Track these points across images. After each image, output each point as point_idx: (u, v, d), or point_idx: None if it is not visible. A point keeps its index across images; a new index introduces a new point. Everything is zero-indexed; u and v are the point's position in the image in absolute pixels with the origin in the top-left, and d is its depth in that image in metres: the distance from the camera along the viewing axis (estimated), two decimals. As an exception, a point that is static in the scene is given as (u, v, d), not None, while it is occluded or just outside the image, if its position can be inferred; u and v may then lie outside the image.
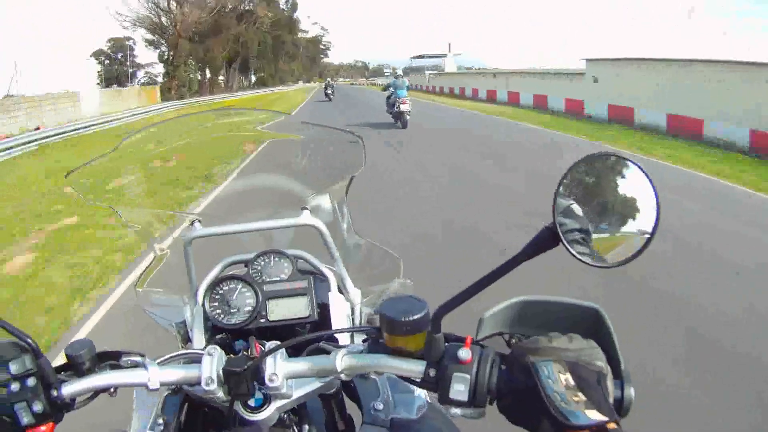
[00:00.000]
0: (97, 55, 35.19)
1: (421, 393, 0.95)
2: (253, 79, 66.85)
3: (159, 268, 1.17)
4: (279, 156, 1.30)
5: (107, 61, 33.75)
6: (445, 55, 55.07)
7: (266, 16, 54.31)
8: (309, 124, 1.17)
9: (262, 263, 1.13)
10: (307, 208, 1.11)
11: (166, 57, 40.18)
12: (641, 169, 0.61)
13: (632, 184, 0.63)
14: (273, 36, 59.87)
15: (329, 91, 27.72)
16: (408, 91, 13.29)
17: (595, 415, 0.59)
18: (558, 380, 0.63)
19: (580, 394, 0.62)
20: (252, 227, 1.11)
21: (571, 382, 0.63)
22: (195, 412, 0.92)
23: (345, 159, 1.18)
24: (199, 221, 1.08)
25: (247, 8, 51.62)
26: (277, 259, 1.13)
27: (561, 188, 0.62)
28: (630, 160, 0.62)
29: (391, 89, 13.72)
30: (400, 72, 14.52)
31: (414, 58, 58.96)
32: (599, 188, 0.65)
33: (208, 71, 49.72)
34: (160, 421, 0.92)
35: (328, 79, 37.96)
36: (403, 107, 13.17)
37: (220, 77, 57.02)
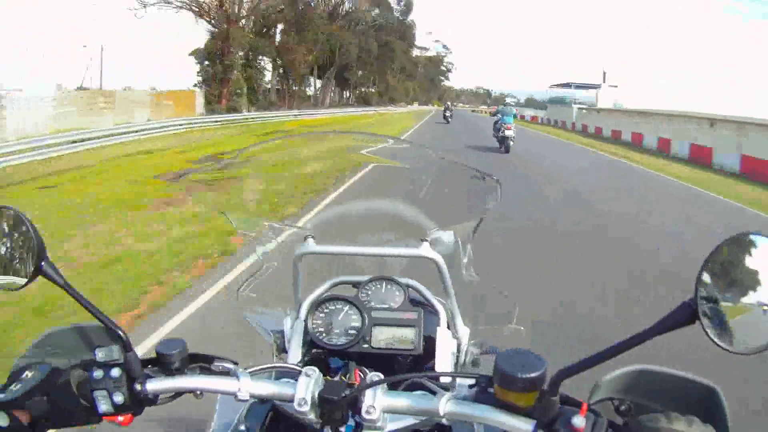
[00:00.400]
0: (197, 54, 32.13)
1: None
2: (347, 94, 53.18)
3: (263, 276, 1.23)
4: (404, 184, 1.31)
5: (206, 61, 31.53)
6: (597, 86, 45.49)
7: (367, 14, 40.66)
8: (447, 159, 1.20)
9: (374, 288, 1.16)
10: (426, 241, 1.11)
11: (211, 52, 31.28)
12: None
13: None
14: (380, 43, 46.31)
15: (448, 114, 31.04)
16: (523, 123, 14.98)
17: None
18: None
19: None
20: (367, 251, 1.14)
21: None
22: (279, 424, 0.94)
23: (478, 199, 1.18)
24: (313, 237, 1.12)
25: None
26: (389, 286, 1.17)
27: (706, 266, 0.62)
28: None
29: (499, 115, 15.90)
30: (509, 100, 17.05)
31: (556, 86, 49.99)
32: (746, 269, 0.63)
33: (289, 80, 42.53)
34: (243, 427, 0.95)
35: (448, 102, 38.32)
36: (507, 132, 15.30)
37: (309, 88, 43.03)
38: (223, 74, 29.38)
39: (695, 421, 0.69)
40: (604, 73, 47.30)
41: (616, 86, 42.47)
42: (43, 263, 0.76)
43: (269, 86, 37.11)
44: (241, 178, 1.26)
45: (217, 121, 23.33)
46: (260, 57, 34.00)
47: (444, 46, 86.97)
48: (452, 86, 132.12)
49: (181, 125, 20.17)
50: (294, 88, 39.79)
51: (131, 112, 20.75)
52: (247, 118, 25.93)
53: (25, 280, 0.77)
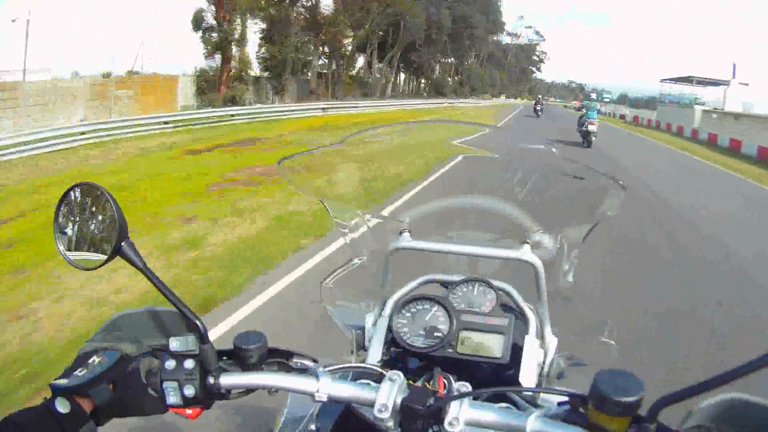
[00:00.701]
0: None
1: None
2: (415, 82, 45.83)
3: (351, 269, 1.25)
4: (512, 183, 1.26)
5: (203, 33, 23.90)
6: (726, 83, 36.43)
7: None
8: (571, 161, 1.17)
9: (464, 290, 1.16)
10: (528, 243, 1.10)
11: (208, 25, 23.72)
12: None
13: None
14: (454, 15, 38.48)
15: (538, 108, 32.61)
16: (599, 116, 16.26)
17: None
18: None
19: None
20: (464, 250, 1.13)
21: None
22: (350, 425, 0.95)
23: (596, 204, 1.12)
24: (409, 232, 1.13)
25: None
26: (482, 288, 1.16)
27: None
28: None
29: (584, 110, 16.29)
30: (594, 96, 17.34)
31: (670, 81, 41.77)
32: None
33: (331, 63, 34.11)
34: (313, 427, 0.97)
35: (539, 96, 37.34)
36: (590, 127, 15.66)
37: (368, 72, 35.67)
38: (225, 50, 22.41)
39: None
40: (734, 66, 37.12)
41: (746, 84, 35.46)
42: (123, 243, 0.77)
43: (309, 71, 29.94)
44: (339, 166, 1.28)
45: (167, 123, 17.23)
46: (297, 33, 26.36)
47: (537, 33, 79.28)
48: (543, 79, 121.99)
49: (81, 135, 13.92)
50: (338, 71, 32.51)
51: (61, 110, 15.96)
52: (233, 115, 19.84)
53: (104, 259, 0.78)
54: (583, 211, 1.16)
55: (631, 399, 0.65)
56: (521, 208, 1.18)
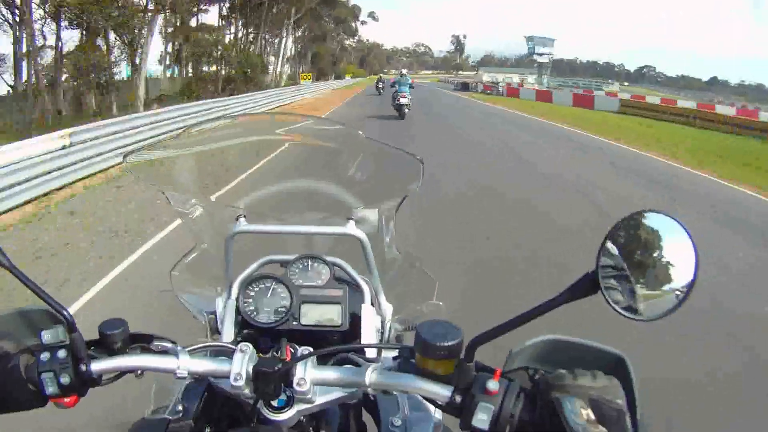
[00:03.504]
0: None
1: (438, 415, 1.14)
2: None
3: (195, 256, 1.38)
4: (331, 164, 1.47)
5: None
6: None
7: None
8: (371, 139, 1.36)
9: (301, 266, 1.33)
10: (352, 219, 1.29)
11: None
12: (684, 228, 0.74)
13: (676, 241, 0.74)
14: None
15: (380, 86, 35.94)
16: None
17: None
18: (580, 414, 0.75)
19: (600, 427, 0.74)
20: (296, 230, 1.31)
21: (592, 416, 0.75)
22: (214, 403, 1.09)
23: (402, 178, 1.34)
24: (245, 217, 1.28)
25: None
26: (315, 264, 1.33)
27: (608, 239, 0.74)
28: (675, 219, 0.74)
29: (396, 86, 19.90)
30: (404, 71, 20.43)
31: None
32: (644, 243, 0.75)
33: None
34: (180, 407, 1.05)
35: (380, 74, 42.58)
36: (402, 101, 19.17)
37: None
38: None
39: (599, 375, 0.80)
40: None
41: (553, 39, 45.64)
42: None
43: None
44: (179, 157, 1.39)
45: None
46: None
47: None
48: (381, 44, 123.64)
49: None
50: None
51: None
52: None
53: None
54: (392, 186, 1.35)
55: (450, 343, 0.79)
56: (345, 188, 1.37)
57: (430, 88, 58.67)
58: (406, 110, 19.34)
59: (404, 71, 20.58)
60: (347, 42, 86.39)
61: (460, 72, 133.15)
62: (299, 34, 56.98)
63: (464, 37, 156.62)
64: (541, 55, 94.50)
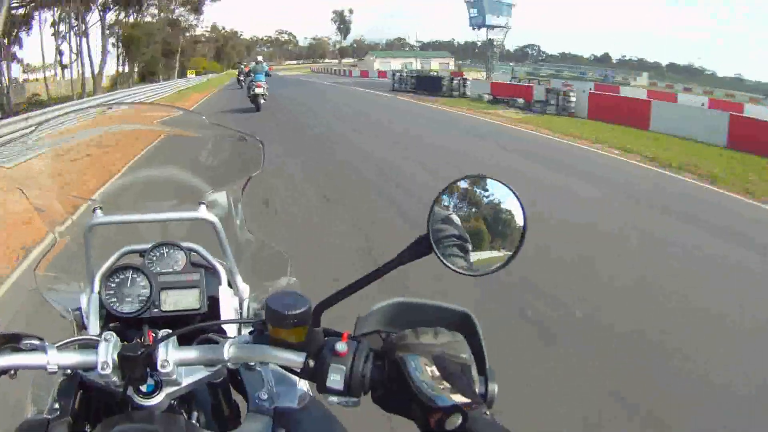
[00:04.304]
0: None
1: (303, 385, 1.22)
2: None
3: (58, 253, 1.42)
4: (180, 150, 1.56)
5: None
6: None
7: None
8: (215, 124, 1.44)
9: (158, 254, 1.39)
10: (204, 203, 1.36)
11: None
12: (513, 192, 0.81)
13: (504, 203, 0.80)
14: None
15: (241, 78, 33.75)
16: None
17: (459, 398, 0.75)
18: (424, 372, 0.79)
19: (445, 382, 0.78)
20: (150, 218, 1.37)
21: (437, 373, 0.80)
22: (89, 397, 1.11)
23: (244, 160, 1.43)
24: (101, 208, 1.32)
25: None
26: (171, 250, 1.39)
27: (438, 202, 0.80)
28: (503, 182, 0.81)
29: (252, 75, 19.27)
30: (260, 58, 20.19)
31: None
32: (475, 205, 0.81)
33: None
34: (56, 406, 1.07)
35: (241, 66, 38.20)
36: (257, 90, 18.53)
37: None
38: None
39: (441, 332, 0.86)
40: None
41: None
42: None
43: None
44: (36, 154, 1.42)
45: None
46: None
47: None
48: (240, 33, 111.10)
49: None
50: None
51: None
52: None
53: None
54: (236, 168, 1.44)
55: (298, 311, 0.85)
56: (194, 173, 1.46)
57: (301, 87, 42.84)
58: (262, 100, 18.95)
59: (259, 58, 20.38)
60: (199, 31, 74.95)
61: (326, 60, 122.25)
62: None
63: (350, 12, 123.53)
64: (492, 28, 54.45)
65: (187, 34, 68.27)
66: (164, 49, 56.52)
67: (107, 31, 44.09)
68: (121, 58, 51.80)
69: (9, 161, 1.38)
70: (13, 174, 1.36)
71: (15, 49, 38.28)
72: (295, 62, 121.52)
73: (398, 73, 36.03)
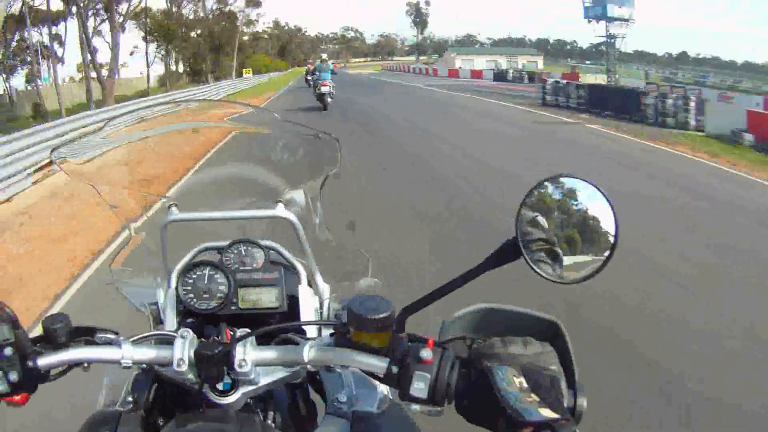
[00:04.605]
0: None
1: (383, 389, 1.21)
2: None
3: (134, 249, 1.45)
4: (255, 148, 1.56)
5: None
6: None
7: None
8: (289, 122, 1.44)
9: (236, 251, 1.39)
10: (281, 202, 1.37)
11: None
12: (602, 192, 0.77)
13: (594, 205, 0.76)
14: None
15: (309, 78, 31.31)
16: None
17: (548, 413, 0.72)
18: (512, 383, 0.77)
19: (533, 395, 0.76)
20: (227, 215, 1.38)
21: (525, 384, 0.77)
22: (164, 392, 1.12)
23: (321, 158, 1.43)
24: (176, 206, 1.35)
25: None
26: (250, 248, 1.39)
27: (526, 204, 0.78)
28: (592, 183, 0.77)
29: (317, 73, 18.95)
30: (325, 56, 19.96)
31: None
32: (563, 207, 0.77)
33: None
34: (130, 399, 1.09)
35: (309, 66, 33.98)
36: (323, 89, 18.20)
37: None
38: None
39: (530, 342, 0.84)
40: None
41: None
42: None
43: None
44: (108, 150, 1.45)
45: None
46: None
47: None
48: (304, 30, 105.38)
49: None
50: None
51: None
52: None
53: None
54: (313, 166, 1.43)
55: (382, 315, 0.83)
56: (270, 171, 1.46)
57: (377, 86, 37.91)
58: (329, 99, 18.77)
59: (324, 56, 20.28)
60: (260, 27, 69.35)
61: (396, 57, 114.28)
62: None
63: (427, 4, 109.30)
64: (611, 21, 40.84)
65: (246, 30, 62.96)
66: (214, 45, 51.31)
67: (131, 22, 40.07)
68: (158, 54, 48.20)
69: (79, 156, 1.38)
70: (85, 169, 1.37)
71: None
72: (362, 59, 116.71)
73: (552, 81, 22.88)
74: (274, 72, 68.63)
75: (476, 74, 48.55)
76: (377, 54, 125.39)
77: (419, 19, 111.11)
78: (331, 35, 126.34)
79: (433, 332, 0.90)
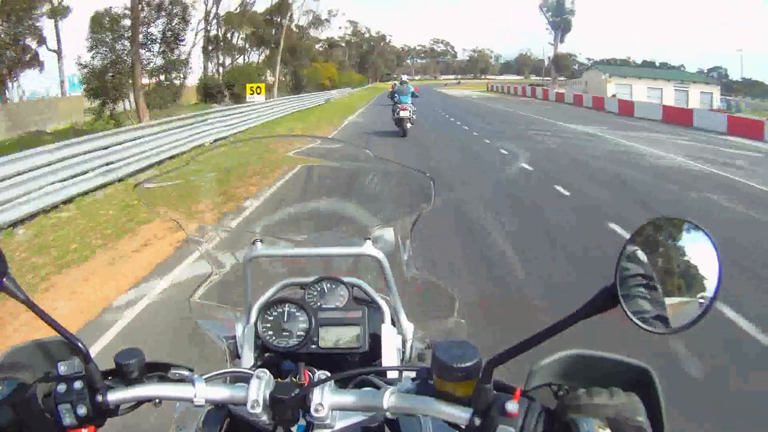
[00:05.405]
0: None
1: None
2: None
3: (214, 282, 1.47)
4: (343, 184, 1.55)
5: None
6: None
7: None
8: (383, 159, 1.46)
9: (319, 289, 1.39)
10: (369, 239, 1.35)
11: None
12: (707, 235, 0.73)
13: (697, 248, 0.73)
14: None
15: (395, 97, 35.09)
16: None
17: None
18: None
19: None
20: (313, 252, 1.38)
21: None
22: (235, 429, 1.16)
23: (414, 196, 1.42)
24: (261, 241, 1.35)
25: None
26: (334, 285, 1.39)
27: (624, 252, 0.74)
28: (698, 225, 0.74)
29: (397, 96, 18.10)
30: (404, 78, 18.92)
31: None
32: (663, 251, 0.74)
33: None
34: None
35: (395, 82, 29.61)
36: (402, 114, 17.12)
37: None
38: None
39: (616, 392, 0.82)
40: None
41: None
42: (4, 279, 0.89)
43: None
44: (190, 184, 1.48)
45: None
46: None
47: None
48: (388, 38, 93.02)
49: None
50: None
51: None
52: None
53: None
54: (405, 204, 1.43)
55: (468, 364, 0.81)
56: (359, 208, 1.46)
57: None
58: (408, 125, 17.81)
59: (404, 78, 19.64)
60: (335, 32, 57.28)
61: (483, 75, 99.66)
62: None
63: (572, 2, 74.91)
64: None
65: (314, 33, 50.58)
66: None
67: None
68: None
69: (162, 191, 1.41)
70: (169, 204, 1.42)
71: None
72: (452, 77, 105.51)
73: None
74: (347, 88, 55.65)
75: (682, 116, 26.45)
76: (468, 71, 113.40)
77: (560, 17, 72.32)
78: (419, 47, 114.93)
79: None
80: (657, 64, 72.28)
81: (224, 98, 33.32)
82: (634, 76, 56.64)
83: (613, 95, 42.76)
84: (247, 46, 41.59)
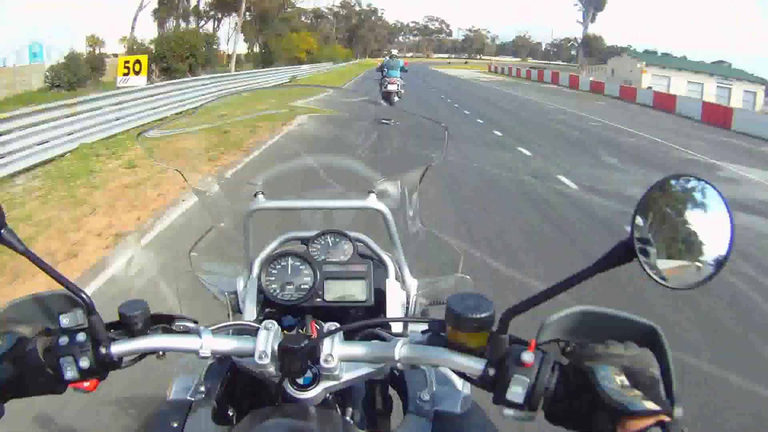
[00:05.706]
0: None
1: (465, 389, 1.19)
2: None
3: (215, 236, 1.46)
4: (350, 135, 1.51)
5: None
6: None
7: None
8: (392, 108, 1.77)
9: (323, 242, 1.38)
10: (373, 192, 1.34)
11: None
12: (720, 194, 0.75)
13: (710, 207, 0.75)
14: None
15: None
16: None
17: (651, 405, 0.75)
18: (614, 380, 0.79)
19: (635, 390, 0.79)
20: (316, 205, 1.39)
21: (626, 382, 0.80)
22: (237, 383, 1.17)
23: (424, 147, 1.38)
24: (263, 193, 1.34)
25: None
26: (338, 240, 1.38)
27: (641, 206, 0.75)
28: (710, 184, 0.76)
29: (385, 69, 17.27)
30: (394, 52, 18.27)
31: None
32: (678, 209, 0.76)
33: None
34: (202, 388, 1.11)
35: (387, 57, 24.69)
36: (390, 87, 16.30)
37: None
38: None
39: (630, 345, 0.84)
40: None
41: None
42: (2, 230, 0.87)
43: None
44: (195, 134, 1.45)
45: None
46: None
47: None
48: (380, 12, 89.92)
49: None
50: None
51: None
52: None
53: None
54: (413, 156, 1.37)
55: (482, 315, 0.82)
56: (363, 161, 1.42)
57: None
58: (396, 98, 16.94)
59: (394, 52, 18.20)
60: (325, 3, 54.15)
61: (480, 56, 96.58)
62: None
63: None
64: None
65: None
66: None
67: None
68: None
69: (165, 139, 1.35)
70: (171, 153, 1.38)
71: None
72: (445, 56, 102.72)
73: None
74: (328, 62, 52.12)
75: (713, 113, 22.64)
76: (463, 51, 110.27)
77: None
78: (412, 24, 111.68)
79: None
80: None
81: (152, 74, 25.28)
82: (674, 67, 49.90)
83: (649, 87, 38.61)
84: (208, 10, 38.63)
